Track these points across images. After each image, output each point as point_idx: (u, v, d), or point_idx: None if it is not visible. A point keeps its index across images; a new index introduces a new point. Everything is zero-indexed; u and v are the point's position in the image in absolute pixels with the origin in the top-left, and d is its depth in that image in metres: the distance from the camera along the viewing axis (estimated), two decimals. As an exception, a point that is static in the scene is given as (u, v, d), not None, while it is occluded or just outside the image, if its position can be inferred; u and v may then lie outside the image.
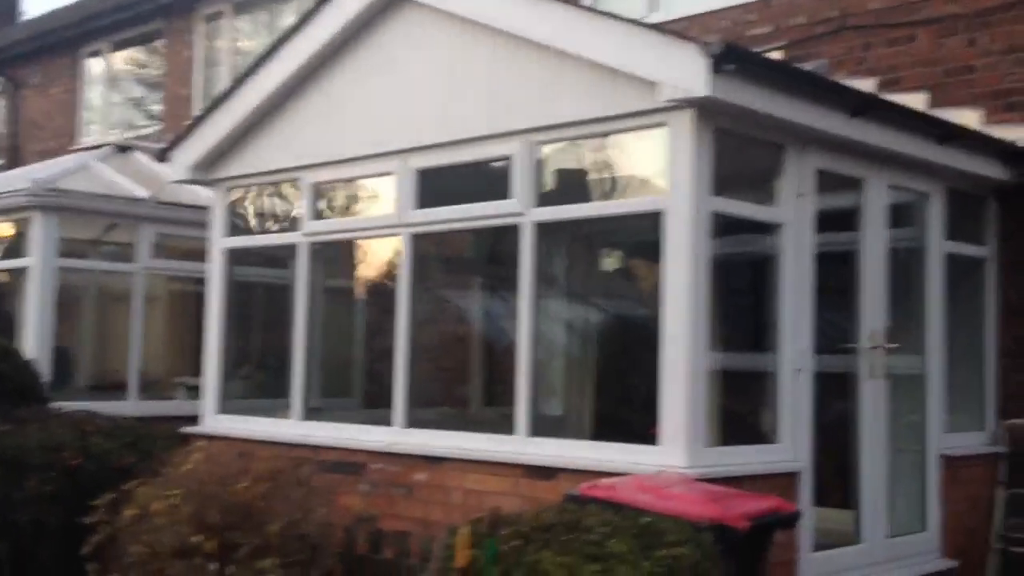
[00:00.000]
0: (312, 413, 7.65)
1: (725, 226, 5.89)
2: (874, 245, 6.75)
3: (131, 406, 10.39)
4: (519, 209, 6.31)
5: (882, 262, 6.81)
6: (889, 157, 6.75)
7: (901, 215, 7.39)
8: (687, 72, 5.34)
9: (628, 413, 6.21)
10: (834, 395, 6.86)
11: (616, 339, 7.53)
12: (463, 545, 3.92)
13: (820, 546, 6.30)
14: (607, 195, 6.23)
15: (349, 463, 7.06)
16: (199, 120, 8.07)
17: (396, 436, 6.88)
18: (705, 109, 5.54)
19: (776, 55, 9.15)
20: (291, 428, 7.56)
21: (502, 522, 4.14)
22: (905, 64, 8.53)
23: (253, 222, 8.25)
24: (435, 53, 6.81)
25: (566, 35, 5.91)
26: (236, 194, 8.27)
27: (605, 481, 5.02)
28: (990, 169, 7.55)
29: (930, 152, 6.92)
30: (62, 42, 16.51)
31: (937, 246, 7.31)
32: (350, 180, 7.49)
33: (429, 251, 7.65)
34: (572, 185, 6.42)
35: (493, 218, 6.52)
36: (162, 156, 8.35)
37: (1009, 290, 7.90)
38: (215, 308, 8.21)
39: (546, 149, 6.30)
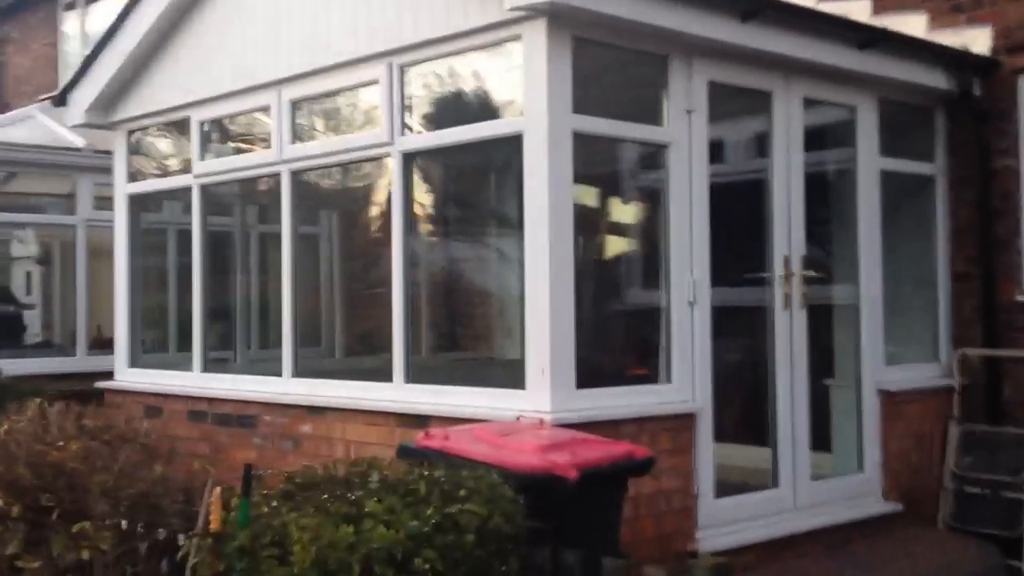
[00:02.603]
0: (214, 365, 7.30)
1: (615, 148, 5.39)
2: (785, 162, 6.16)
3: (79, 362, 10.19)
4: (386, 139, 5.83)
5: (798, 182, 6.22)
6: (800, 67, 6.14)
7: (837, 134, 6.81)
8: (531, -26, 4.78)
9: (509, 354, 5.73)
10: (751, 328, 6.35)
11: (496, 275, 7.03)
12: (216, 507, 3.53)
13: (729, 490, 5.83)
14: (475, 119, 5.71)
15: (244, 416, 6.72)
16: (90, 59, 7.66)
17: (283, 386, 6.50)
18: (559, 17, 5.00)
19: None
20: (192, 381, 7.22)
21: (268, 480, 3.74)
22: (849, -33, 7.84)
23: (155, 165, 7.85)
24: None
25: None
26: (137, 137, 7.88)
27: (439, 430, 4.59)
28: (930, 78, 6.89)
29: (850, 60, 6.28)
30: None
31: (869, 164, 6.70)
32: (233, 116, 7.03)
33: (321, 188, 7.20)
34: (440, 111, 5.92)
35: (363, 150, 6.05)
36: (59, 100, 7.96)
37: (959, 208, 7.27)
38: (122, 259, 7.87)
39: (412, 73, 5.79)
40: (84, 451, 4.64)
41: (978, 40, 7.19)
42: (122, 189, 7.86)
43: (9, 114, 12.29)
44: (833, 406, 6.85)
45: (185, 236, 7.72)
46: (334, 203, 8.12)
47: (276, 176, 6.59)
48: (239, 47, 6.74)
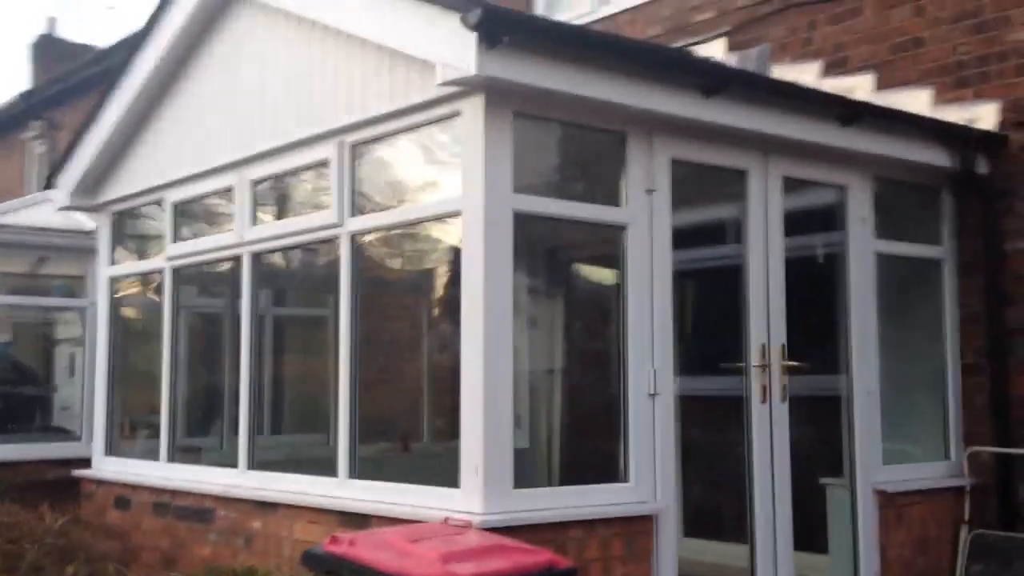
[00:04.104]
0: (182, 454, 7.04)
1: (575, 230, 5.09)
2: (762, 244, 5.78)
3: (82, 447, 10.03)
4: (335, 220, 5.60)
5: (777, 265, 5.83)
6: (778, 144, 5.79)
7: (831, 215, 6.41)
8: (457, 48, 4.54)
9: (449, 448, 5.36)
10: (733, 419, 5.91)
11: (446, 363, 6.69)
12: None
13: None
14: (424, 198, 5.46)
15: (202, 509, 6.43)
16: (73, 142, 7.61)
17: (237, 479, 6.21)
18: (497, 93, 4.73)
19: (719, 43, 8.30)
20: (157, 471, 6.97)
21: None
22: (851, 42, 7.54)
23: (136, 247, 7.73)
24: (260, 52, 6.21)
25: (349, 17, 5.20)
26: (120, 220, 7.78)
27: (346, 534, 4.25)
28: (930, 155, 6.48)
29: (834, 137, 5.91)
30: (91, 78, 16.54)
31: (862, 246, 6.28)
32: (200, 198, 6.87)
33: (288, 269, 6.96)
34: (390, 191, 5.67)
35: (316, 231, 5.82)
36: (48, 183, 7.92)
37: (967, 295, 6.78)
38: (102, 343, 7.72)
39: (361, 151, 5.57)
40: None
41: (986, 115, 6.78)
42: (104, 272, 7.75)
43: (25, 198, 12.42)
44: (829, 506, 6.34)
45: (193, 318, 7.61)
46: (301, 284, 7.89)
47: (238, 258, 6.39)
48: (205, 129, 6.64)
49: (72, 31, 43.22)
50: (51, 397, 12.32)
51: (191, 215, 7.02)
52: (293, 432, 7.28)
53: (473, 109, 4.78)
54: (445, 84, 4.65)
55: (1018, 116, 6.64)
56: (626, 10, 9.09)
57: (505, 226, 4.77)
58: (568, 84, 4.83)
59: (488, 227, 4.72)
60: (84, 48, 20.27)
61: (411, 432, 6.26)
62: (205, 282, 7.54)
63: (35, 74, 20.64)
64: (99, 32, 45.06)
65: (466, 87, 4.71)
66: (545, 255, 7.23)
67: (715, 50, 8.30)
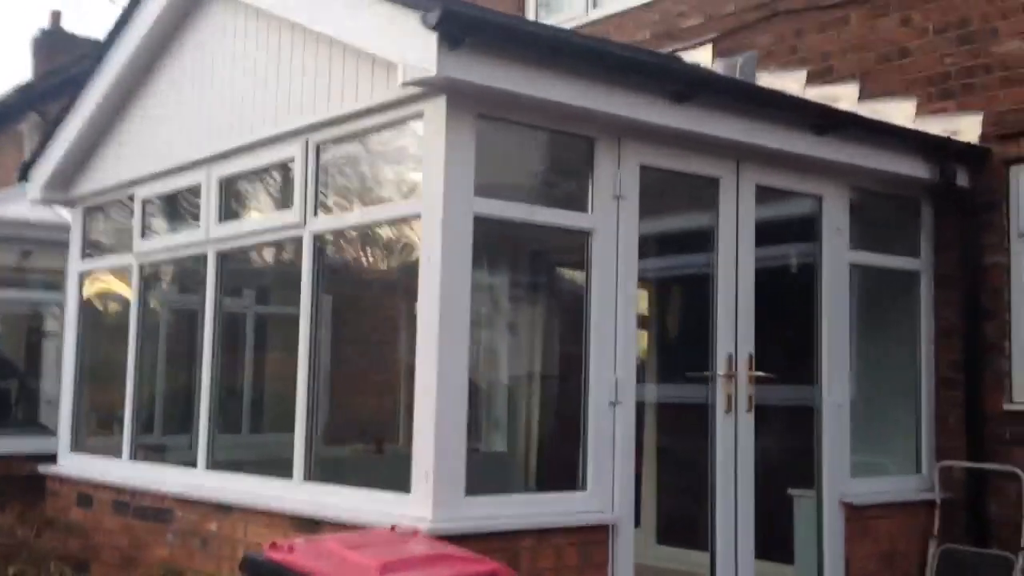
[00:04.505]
0: (146, 452, 6.97)
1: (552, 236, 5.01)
2: (731, 252, 5.70)
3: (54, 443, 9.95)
4: (298, 220, 5.52)
5: (747, 273, 5.74)
6: (751, 152, 5.70)
7: (808, 225, 6.33)
8: (418, 48, 4.46)
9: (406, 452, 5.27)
10: (701, 426, 5.84)
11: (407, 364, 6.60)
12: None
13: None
14: (388, 199, 5.39)
15: (160, 509, 6.35)
16: (47, 135, 7.54)
17: (197, 479, 6.14)
18: (460, 95, 4.65)
19: (706, 49, 8.22)
20: (118, 469, 6.89)
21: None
22: (837, 51, 7.46)
23: (107, 242, 7.65)
24: (230, 49, 6.14)
25: (314, 14, 5.13)
26: (92, 214, 7.70)
27: (286, 540, 4.17)
28: (909, 167, 6.40)
29: (809, 146, 5.83)
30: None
31: (836, 257, 6.19)
32: (171, 194, 6.80)
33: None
34: (354, 191, 5.60)
35: (279, 231, 5.75)
36: (22, 175, 7.85)
37: (944, 308, 6.69)
38: (70, 337, 7.65)
39: (326, 151, 5.49)
40: None
41: (968, 127, 6.70)
42: (75, 267, 7.68)
43: (9, 190, 12.33)
44: (796, 517, 6.26)
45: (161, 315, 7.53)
46: (273, 283, 7.80)
47: (204, 256, 6.32)
48: (175, 126, 6.56)
49: (77, 26, 43.15)
50: (36, 391, 12.23)
51: (160, 211, 6.94)
52: (268, 431, 7.19)
53: (435, 110, 4.70)
54: (406, 84, 4.58)
55: (1001, 129, 6.56)
56: (615, 15, 9.01)
57: (464, 230, 4.69)
58: (533, 87, 4.75)
59: (446, 230, 4.64)
60: (85, 42, 20.18)
61: (387, 434, 6.17)
62: (174, 279, 7.46)
63: (36, 68, 20.57)
64: (103, 26, 45.11)
65: (428, 88, 4.63)
66: (527, 258, 7.16)
67: (702, 56, 8.24)
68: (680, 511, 7.41)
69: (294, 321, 5.50)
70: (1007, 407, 6.35)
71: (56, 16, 21.81)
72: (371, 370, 5.92)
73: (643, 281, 7.87)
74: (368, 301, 5.73)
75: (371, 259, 5.45)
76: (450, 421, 4.58)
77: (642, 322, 8.36)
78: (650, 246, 7.29)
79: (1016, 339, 6.39)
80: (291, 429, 5.45)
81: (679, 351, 7.71)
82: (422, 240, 4.73)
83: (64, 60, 18.23)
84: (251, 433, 7.28)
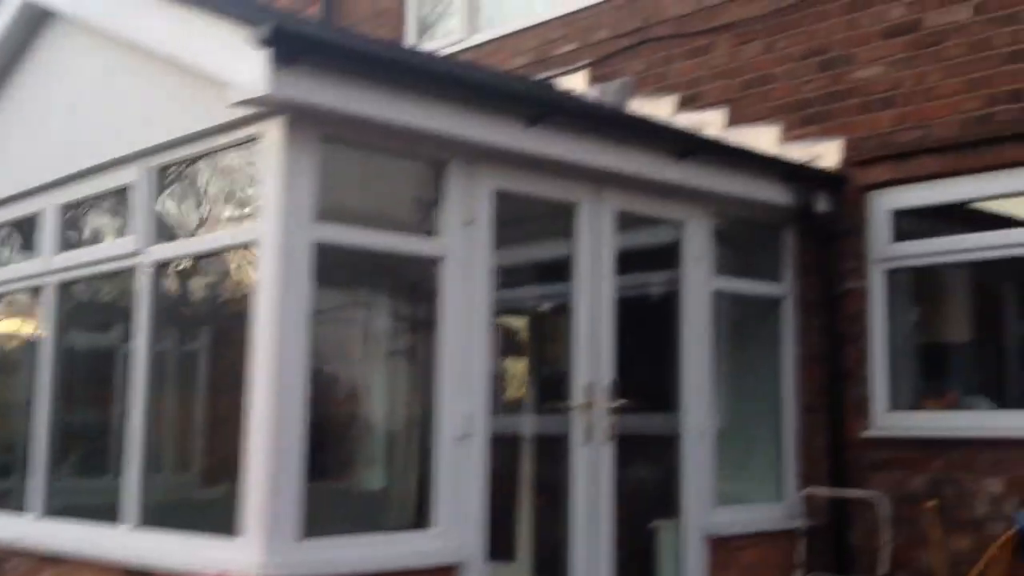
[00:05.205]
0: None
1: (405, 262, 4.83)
2: (589, 279, 5.61)
3: None
4: (137, 247, 5.26)
5: (608, 299, 5.65)
6: (611, 177, 5.63)
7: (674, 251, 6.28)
8: (251, 67, 4.27)
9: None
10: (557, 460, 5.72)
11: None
12: None
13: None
14: (228, 225, 5.17)
15: (-7, 555, 5.97)
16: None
17: (29, 526, 5.77)
18: (300, 116, 4.47)
19: (581, 75, 8.18)
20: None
21: None
22: (705, 77, 7.47)
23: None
24: (72, 70, 5.88)
25: (147, 33, 4.91)
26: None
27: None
28: (770, 192, 6.41)
29: (669, 172, 5.78)
30: None
31: (698, 283, 6.15)
32: (18, 222, 6.44)
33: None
34: (194, 216, 5.36)
35: (119, 259, 5.46)
36: None
37: (807, 334, 6.70)
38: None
39: (167, 176, 5.25)
40: None
41: (828, 153, 6.74)
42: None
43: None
44: (659, 549, 6.17)
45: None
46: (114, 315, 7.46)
47: (42, 288, 5.99)
48: (18, 151, 6.25)
49: None
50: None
51: (3, 241, 6.58)
52: (111, 474, 6.82)
53: (273, 132, 4.51)
54: (239, 104, 4.38)
55: (859, 155, 6.61)
56: (493, 40, 8.94)
57: (302, 257, 4.49)
58: (378, 109, 4.59)
59: (284, 258, 4.44)
60: None
61: (228, 473, 5.87)
62: (22, 311, 7.06)
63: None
64: None
65: (265, 109, 4.44)
66: (394, 285, 6.96)
67: (577, 82, 8.20)
68: (556, 544, 7.28)
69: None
70: (866, 434, 6.37)
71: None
72: (216, 406, 5.64)
73: (521, 310, 7.85)
74: (212, 333, 5.47)
75: (216, 288, 5.20)
76: (284, 458, 4.36)
77: (520, 352, 8.28)
78: (528, 274, 7.24)
79: (874, 365, 6.42)
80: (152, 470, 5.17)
81: (556, 382, 7.59)
82: (258, 268, 4.52)
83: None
84: (93, 476, 6.91)
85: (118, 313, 5.45)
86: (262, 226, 4.53)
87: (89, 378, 6.48)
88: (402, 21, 9.79)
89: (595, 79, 8.09)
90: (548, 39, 8.54)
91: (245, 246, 4.74)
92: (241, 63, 4.28)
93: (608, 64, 8.07)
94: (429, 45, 9.38)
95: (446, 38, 9.41)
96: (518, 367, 8.13)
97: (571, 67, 8.29)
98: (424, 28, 9.86)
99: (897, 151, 6.43)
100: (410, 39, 9.76)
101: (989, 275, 6.63)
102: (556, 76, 8.31)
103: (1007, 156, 6.04)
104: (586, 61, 8.21)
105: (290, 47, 4.20)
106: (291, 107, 4.36)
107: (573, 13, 8.33)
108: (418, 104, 4.72)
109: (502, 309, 6.90)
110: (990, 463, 5.91)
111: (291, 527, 4.36)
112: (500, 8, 9.10)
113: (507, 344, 8.08)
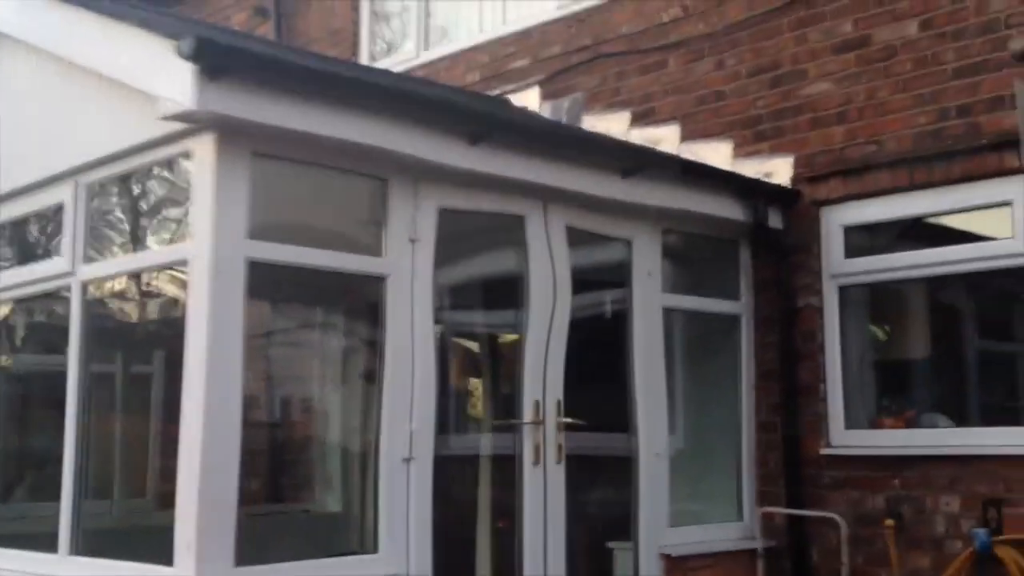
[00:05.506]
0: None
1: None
2: (539, 296, 5.50)
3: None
4: (67, 268, 5.10)
5: (560, 316, 5.54)
6: (558, 195, 5.53)
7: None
8: (177, 81, 4.15)
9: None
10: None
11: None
12: None
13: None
14: (160, 243, 5.04)
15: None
16: None
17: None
18: (232, 131, 4.34)
19: (534, 91, 8.12)
20: None
21: None
22: (658, 93, 7.42)
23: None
24: (7, 87, 5.71)
25: (74, 47, 4.79)
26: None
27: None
28: (722, 208, 6.34)
29: (615, 189, 5.70)
30: None
31: (648, 301, 6.05)
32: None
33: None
34: (125, 235, 5.23)
35: (49, 280, 5.31)
36: None
37: (763, 351, 6.63)
38: None
39: (97, 193, 5.11)
40: None
41: (781, 169, 6.70)
42: None
43: None
44: (615, 571, 6.05)
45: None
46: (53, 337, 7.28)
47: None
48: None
49: None
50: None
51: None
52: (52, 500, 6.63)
53: (203, 148, 4.38)
54: (167, 119, 4.25)
55: (810, 171, 6.57)
56: (446, 56, 8.87)
57: (235, 276, 4.36)
58: (312, 125, 4.47)
59: (215, 277, 4.30)
60: None
61: (166, 499, 5.71)
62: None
63: None
64: None
65: (194, 124, 4.32)
66: (344, 304, 6.85)
67: (530, 98, 8.14)
68: (515, 567, 7.15)
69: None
70: (824, 451, 6.29)
71: None
72: (151, 429, 5.50)
73: (478, 331, 7.74)
74: (146, 354, 5.33)
75: (149, 308, 5.08)
76: (218, 482, 4.22)
77: (477, 372, 8.16)
78: (480, 291, 7.13)
79: (830, 382, 6.36)
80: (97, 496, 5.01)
81: (513, 401, 7.47)
82: (189, 287, 4.38)
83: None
84: (39, 502, 6.70)
85: (58, 334, 5.29)
86: (193, 244, 4.40)
87: (33, 402, 6.32)
88: (356, 39, 9.71)
89: (548, 95, 8.04)
90: (501, 55, 8.48)
91: (177, 264, 4.60)
92: (168, 77, 4.15)
93: (561, 80, 8.01)
94: (384, 62, 9.29)
95: (400, 55, 9.34)
96: (476, 386, 8.02)
97: (524, 83, 8.24)
98: (378, 46, 9.79)
99: (849, 166, 6.39)
100: (363, 57, 9.68)
101: (946, 291, 6.58)
102: (509, 92, 8.25)
103: (958, 171, 6.00)
104: (539, 77, 8.15)
105: (216, 60, 4.09)
106: (220, 122, 4.24)
107: (526, 29, 8.27)
108: (355, 120, 4.61)
109: (455, 327, 6.82)
110: (948, 481, 5.85)
111: (226, 554, 4.21)
112: (454, 25, 9.03)
113: (465, 362, 7.97)
